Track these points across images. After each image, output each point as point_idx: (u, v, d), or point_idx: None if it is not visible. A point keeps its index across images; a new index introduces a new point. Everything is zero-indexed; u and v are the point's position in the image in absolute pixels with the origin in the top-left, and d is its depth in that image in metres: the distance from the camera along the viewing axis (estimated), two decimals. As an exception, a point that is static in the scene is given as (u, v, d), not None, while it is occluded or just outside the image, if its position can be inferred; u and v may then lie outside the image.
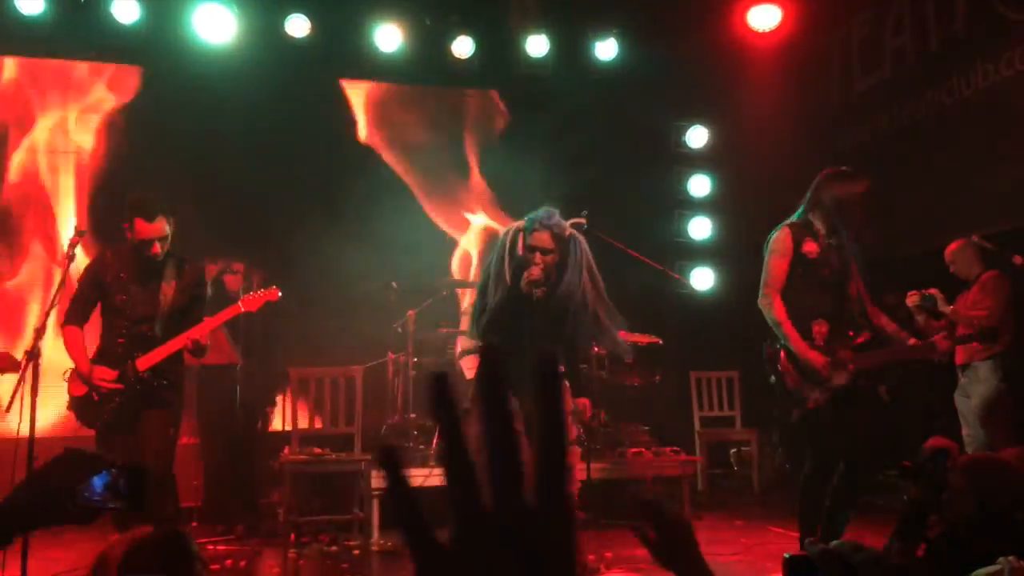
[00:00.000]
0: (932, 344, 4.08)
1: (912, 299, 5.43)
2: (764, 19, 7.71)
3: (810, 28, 7.81)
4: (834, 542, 1.46)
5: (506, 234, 4.04)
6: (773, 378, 4.13)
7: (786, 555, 1.34)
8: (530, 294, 3.87)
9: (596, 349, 6.63)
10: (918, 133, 6.88)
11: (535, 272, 3.88)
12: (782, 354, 4.07)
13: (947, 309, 5.30)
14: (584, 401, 4.18)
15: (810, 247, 4.05)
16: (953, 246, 5.66)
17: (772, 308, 4.05)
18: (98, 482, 1.53)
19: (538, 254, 3.90)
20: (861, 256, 4.18)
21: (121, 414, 4.24)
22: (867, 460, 4.02)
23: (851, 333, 4.05)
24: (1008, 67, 5.99)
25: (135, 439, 4.23)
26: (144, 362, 4.23)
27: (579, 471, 4.24)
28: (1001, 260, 5.19)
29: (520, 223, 4.02)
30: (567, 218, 4.21)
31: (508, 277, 3.92)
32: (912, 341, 4.11)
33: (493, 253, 4.07)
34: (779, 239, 4.10)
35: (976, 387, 5.44)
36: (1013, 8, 5.95)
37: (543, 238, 3.91)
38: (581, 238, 4.03)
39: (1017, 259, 4.63)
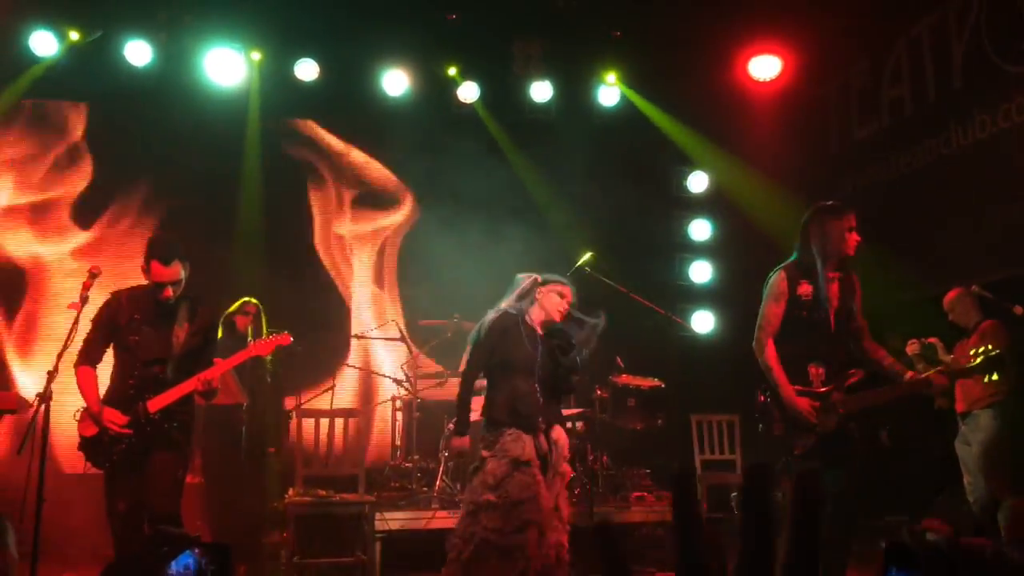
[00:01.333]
0: (928, 379, 4.12)
1: (912, 347, 5.49)
2: (765, 69, 7.86)
3: (809, 78, 7.96)
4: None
5: (524, 281, 4.39)
6: (761, 426, 4.19)
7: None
8: (555, 327, 4.32)
9: (599, 392, 6.68)
10: (916, 182, 6.99)
11: (567, 310, 4.33)
12: (771, 400, 4.11)
13: (947, 358, 5.35)
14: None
15: (805, 289, 4.10)
16: (951, 294, 5.73)
17: (764, 352, 4.11)
18: (183, 561, 1.57)
19: (568, 298, 4.35)
20: (856, 286, 4.23)
21: (130, 455, 4.25)
22: (856, 502, 4.04)
23: (843, 376, 4.10)
24: (1006, 119, 6.11)
25: (143, 479, 4.23)
26: (155, 404, 4.25)
27: (568, 516, 4.32)
28: (1000, 310, 5.26)
29: (537, 276, 4.40)
30: (573, 262, 4.55)
31: (520, 321, 4.26)
32: (909, 374, 4.15)
33: (508, 295, 4.38)
34: (775, 282, 4.17)
35: (976, 435, 5.48)
36: (1010, 61, 6.09)
37: (571, 295, 4.38)
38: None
39: (1017, 309, 4.70)
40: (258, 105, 7.59)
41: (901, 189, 7.13)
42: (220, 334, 4.90)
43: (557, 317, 4.27)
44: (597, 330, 4.35)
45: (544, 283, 4.33)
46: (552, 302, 4.28)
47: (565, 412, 5.94)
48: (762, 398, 4.17)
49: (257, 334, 5.82)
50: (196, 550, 1.59)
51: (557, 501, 4.14)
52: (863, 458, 4.12)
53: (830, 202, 4.27)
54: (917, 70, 7.00)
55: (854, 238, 4.14)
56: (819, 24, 7.53)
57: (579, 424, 6.55)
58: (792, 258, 4.24)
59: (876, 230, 6.91)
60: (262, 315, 6.29)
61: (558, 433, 4.26)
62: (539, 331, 4.29)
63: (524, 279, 4.36)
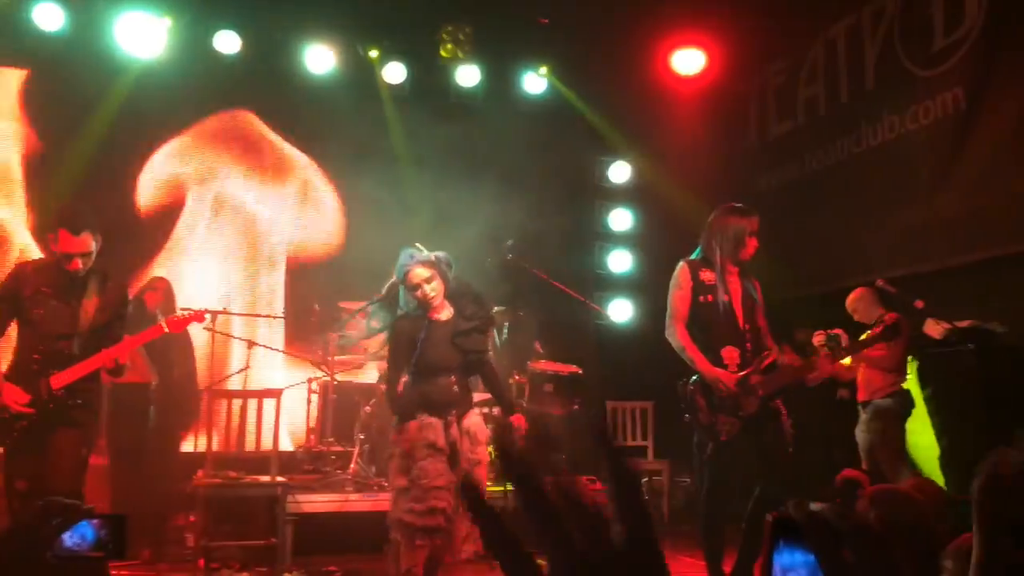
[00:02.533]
0: (813, 362, 4.33)
1: (818, 339, 5.68)
2: (688, 62, 8.00)
3: (731, 74, 8.14)
4: (818, 506, 1.54)
5: (390, 289, 4.32)
6: (687, 415, 4.28)
7: (769, 517, 1.41)
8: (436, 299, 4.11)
9: (516, 377, 6.72)
10: (828, 179, 7.22)
11: (430, 293, 4.09)
12: (693, 388, 4.22)
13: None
14: (518, 416, 4.35)
15: (707, 276, 4.24)
16: (853, 295, 5.97)
17: (676, 335, 4.22)
18: (78, 531, 1.52)
19: (422, 287, 4.09)
20: (757, 290, 4.37)
21: (31, 432, 4.10)
22: (782, 485, 4.18)
23: (759, 357, 4.22)
24: (913, 121, 6.36)
25: (45, 458, 4.09)
26: (59, 380, 4.10)
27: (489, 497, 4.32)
28: (904, 303, 5.48)
29: (394, 278, 4.23)
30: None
31: (407, 322, 4.15)
32: (823, 354, 4.32)
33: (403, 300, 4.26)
34: (677, 273, 4.31)
35: (873, 423, 5.73)
36: (920, 65, 6.33)
37: (419, 272, 4.10)
38: (443, 259, 4.21)
39: (919, 303, 4.91)
40: (175, 77, 7.34)
41: (813, 186, 7.36)
42: (129, 311, 4.74)
43: (429, 310, 4.10)
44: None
45: (402, 280, 4.14)
46: (415, 299, 4.12)
47: (480, 397, 5.99)
48: (685, 388, 4.26)
49: (168, 311, 5.66)
50: (92, 520, 1.55)
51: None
52: (788, 439, 4.25)
53: (735, 204, 4.40)
54: (831, 71, 7.22)
55: (753, 243, 4.28)
56: (741, 22, 7.70)
57: (496, 410, 6.58)
58: (695, 254, 4.38)
59: (788, 225, 7.18)
60: (172, 292, 6.14)
61: (471, 421, 4.18)
62: (442, 320, 4.16)
63: (389, 287, 4.30)
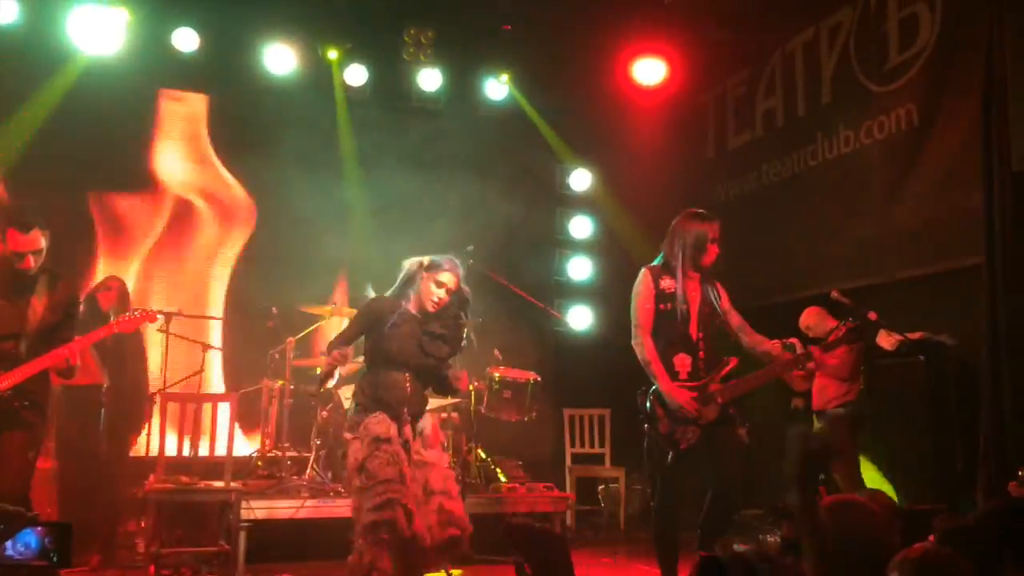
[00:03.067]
0: (807, 353, 4.38)
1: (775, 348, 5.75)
2: (649, 72, 8.06)
3: (691, 84, 8.22)
4: (743, 548, 1.57)
5: (410, 266, 4.24)
6: (647, 425, 4.30)
7: (700, 556, 1.44)
8: (432, 312, 4.13)
9: (475, 383, 6.70)
10: (784, 190, 7.33)
11: (444, 299, 4.13)
12: (652, 399, 4.25)
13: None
14: (459, 372, 4.33)
15: (667, 283, 4.28)
16: (806, 314, 6.08)
17: (643, 348, 4.25)
18: (22, 539, 1.48)
19: (447, 287, 4.14)
20: (722, 292, 4.43)
21: (-24, 435, 3.99)
22: (734, 491, 4.23)
23: (719, 365, 4.27)
24: (868, 135, 6.48)
25: (-10, 460, 3.99)
26: (6, 381, 4.00)
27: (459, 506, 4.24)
28: (857, 315, 5.57)
29: (425, 260, 4.20)
30: (455, 253, 4.38)
31: (398, 314, 4.13)
32: (787, 355, 4.35)
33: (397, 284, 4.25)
34: (640, 281, 4.35)
35: (827, 433, 5.82)
36: (875, 80, 6.46)
37: (450, 277, 4.16)
38: (467, 290, 4.28)
39: (872, 315, 5.00)
40: (132, 73, 7.21)
41: (770, 197, 7.46)
42: (81, 311, 4.64)
43: (430, 307, 4.11)
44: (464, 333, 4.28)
45: (429, 267, 4.16)
46: (427, 291, 4.11)
47: (440, 402, 5.96)
48: (642, 399, 4.30)
49: (120, 312, 5.55)
50: (37, 528, 1.51)
51: (431, 486, 4.04)
52: (741, 447, 4.29)
53: (697, 209, 4.44)
54: (789, 84, 7.34)
55: (714, 249, 4.33)
56: (701, 34, 7.78)
57: (454, 415, 6.56)
58: (657, 260, 4.42)
59: (745, 235, 7.27)
60: (127, 292, 6.03)
61: (424, 422, 4.18)
62: (419, 317, 4.16)
63: (410, 265, 4.24)
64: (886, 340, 5.76)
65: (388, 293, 4.24)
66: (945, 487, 5.43)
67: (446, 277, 4.13)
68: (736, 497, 4.26)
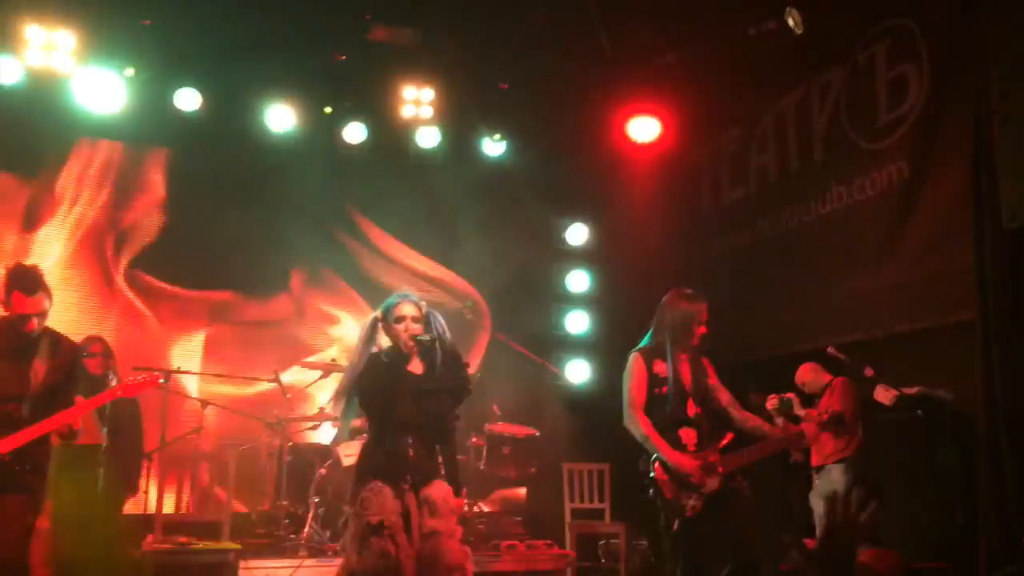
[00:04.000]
0: (800, 433, 4.41)
1: (772, 403, 5.78)
2: (643, 129, 8.19)
3: (685, 141, 8.34)
4: None
5: (366, 323, 3.98)
6: (651, 491, 4.30)
7: None
8: (419, 347, 3.82)
9: (474, 440, 6.70)
10: (779, 245, 7.40)
11: (416, 329, 3.83)
12: (656, 466, 4.26)
13: (803, 412, 5.66)
14: (460, 502, 4.01)
15: (660, 367, 4.33)
16: (801, 371, 6.10)
17: (638, 425, 4.28)
18: None
19: (408, 320, 3.84)
20: (708, 369, 4.46)
21: (-24, 498, 3.98)
22: (755, 556, 4.22)
23: (716, 438, 4.31)
24: (860, 191, 6.57)
25: (-11, 524, 3.97)
26: (7, 444, 3.99)
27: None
28: (854, 370, 5.61)
29: (376, 312, 3.97)
30: (452, 309, 4.29)
31: (372, 362, 3.85)
32: (778, 431, 4.40)
33: (356, 344, 3.98)
34: (632, 364, 4.38)
35: (826, 488, 5.81)
36: (865, 138, 6.57)
37: (408, 307, 3.88)
38: (437, 314, 3.98)
39: (869, 371, 5.03)
40: (135, 132, 7.33)
41: (765, 252, 7.53)
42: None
43: (405, 349, 3.81)
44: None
45: (384, 314, 3.89)
46: (397, 334, 3.83)
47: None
48: (646, 467, 4.30)
49: (109, 371, 5.56)
50: None
51: (440, 560, 3.68)
52: (754, 511, 4.29)
53: (685, 289, 4.50)
54: (782, 141, 7.45)
55: (701, 330, 4.38)
56: (695, 92, 7.92)
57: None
58: (644, 341, 4.46)
59: (740, 290, 7.33)
60: (111, 352, 5.96)
61: (432, 489, 3.78)
62: (412, 372, 3.85)
63: (363, 326, 3.97)
64: (883, 395, 5.77)
65: (354, 355, 3.93)
66: (946, 542, 5.41)
67: (405, 309, 3.85)
68: (756, 567, 4.24)
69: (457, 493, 3.91)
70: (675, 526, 4.21)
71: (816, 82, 7.08)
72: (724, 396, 4.44)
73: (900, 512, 5.66)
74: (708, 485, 4.20)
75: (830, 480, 5.78)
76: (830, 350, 5.37)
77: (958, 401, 5.61)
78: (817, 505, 5.84)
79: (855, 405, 5.76)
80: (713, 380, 4.44)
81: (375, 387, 3.77)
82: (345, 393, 3.89)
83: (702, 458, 4.23)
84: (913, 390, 5.61)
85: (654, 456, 4.26)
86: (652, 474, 4.27)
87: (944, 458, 5.56)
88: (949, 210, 5.83)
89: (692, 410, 4.32)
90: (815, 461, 5.91)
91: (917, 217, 6.11)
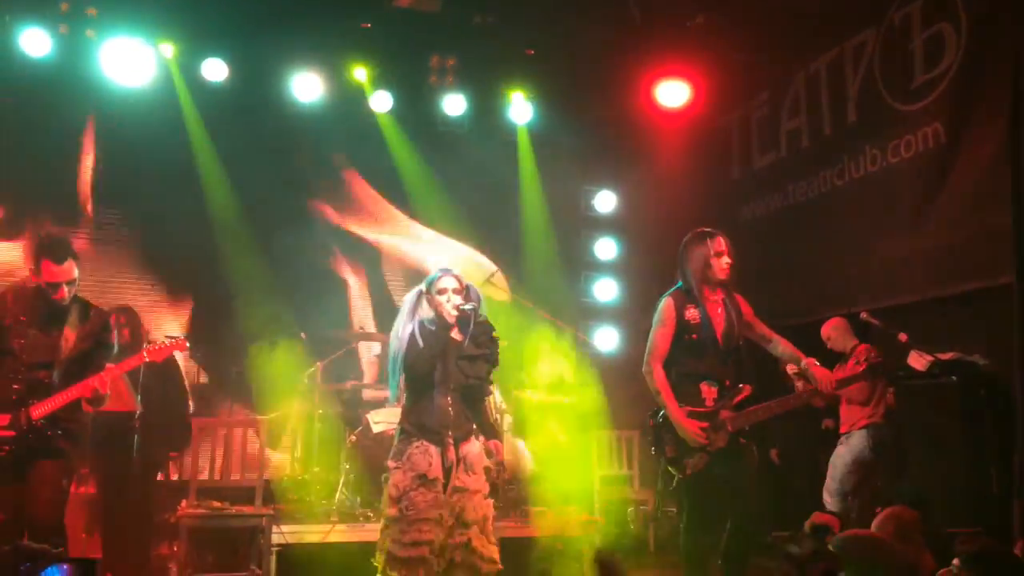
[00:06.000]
0: (812, 391, 4.39)
1: (792, 368, 5.73)
2: (672, 94, 8.08)
3: (714, 106, 8.22)
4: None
5: (410, 296, 4.16)
6: (654, 448, 4.33)
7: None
8: (460, 316, 4.02)
9: (504, 409, 6.71)
10: (811, 210, 7.29)
11: (457, 300, 4.03)
12: (660, 424, 4.27)
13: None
14: (495, 443, 4.20)
15: (692, 313, 4.29)
16: (828, 324, 6.07)
17: (652, 376, 4.27)
18: None
19: (450, 292, 4.05)
20: (743, 305, 4.43)
21: (10, 463, 4.06)
22: (753, 518, 4.20)
23: (731, 392, 4.27)
24: (894, 154, 6.44)
25: (25, 489, 4.05)
26: (39, 410, 4.07)
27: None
28: (887, 336, 5.53)
29: (420, 286, 4.17)
30: (480, 277, 4.38)
31: (418, 332, 4.02)
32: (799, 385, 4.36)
33: (398, 317, 4.16)
34: (662, 309, 4.35)
35: (848, 454, 5.80)
36: (900, 99, 6.43)
37: (450, 280, 4.09)
38: (475, 286, 4.19)
39: (902, 336, 4.95)
40: (164, 104, 7.35)
41: (796, 217, 7.43)
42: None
43: (449, 318, 4.03)
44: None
45: (428, 287, 4.11)
46: (439, 305, 4.04)
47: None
48: (651, 422, 4.33)
49: (137, 338, 5.62)
50: (62, 565, 1.53)
51: (465, 516, 3.92)
52: (756, 473, 4.27)
53: (700, 229, 4.45)
54: (814, 104, 7.31)
55: (722, 263, 4.32)
56: (724, 55, 7.79)
57: (481, 438, 6.56)
58: (678, 285, 4.42)
59: (771, 255, 7.24)
60: (139, 322, 6.02)
61: (469, 446, 4.04)
62: (452, 338, 4.06)
63: (408, 297, 4.18)
64: (917, 361, 5.69)
65: (398, 325, 4.13)
66: (981, 509, 5.35)
67: (446, 282, 4.07)
68: (755, 531, 4.24)
69: (493, 437, 4.22)
70: (674, 483, 4.24)
71: (849, 43, 6.92)
72: (760, 329, 4.42)
73: (933, 478, 5.59)
74: (714, 443, 4.18)
75: (850, 446, 5.78)
76: (863, 315, 5.29)
77: (993, 366, 5.52)
78: (835, 469, 5.83)
79: (864, 367, 5.69)
80: (748, 316, 4.41)
81: (423, 352, 4.00)
82: (392, 360, 4.12)
83: (712, 416, 4.20)
84: (948, 355, 5.52)
85: (660, 412, 4.25)
86: (656, 431, 4.28)
87: (979, 424, 5.48)
88: (986, 172, 5.70)
89: (722, 358, 4.28)
90: (843, 428, 5.88)
91: (953, 179, 5.98)
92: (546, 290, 7.73)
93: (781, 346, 4.49)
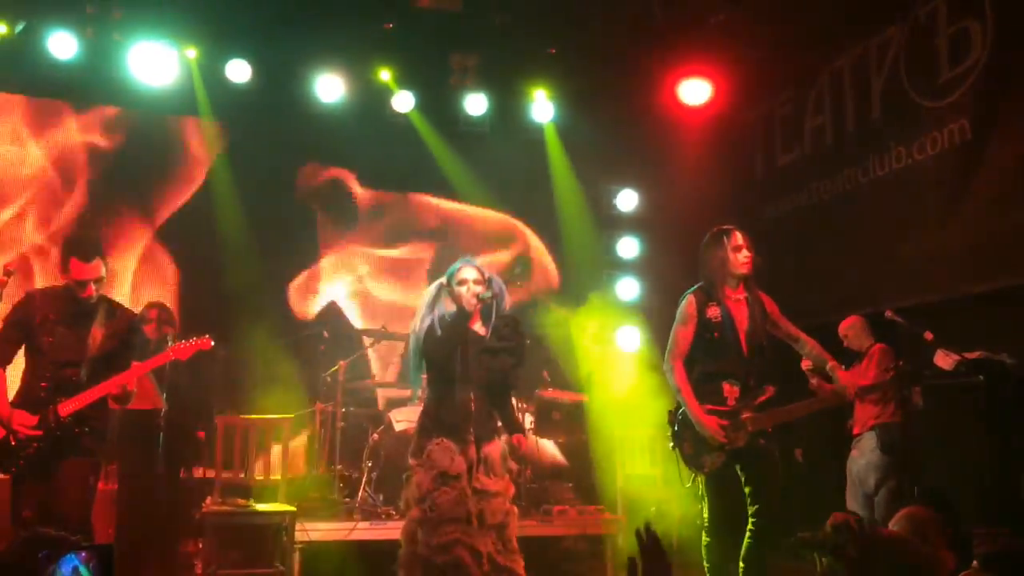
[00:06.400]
0: (836, 392, 4.34)
1: (806, 364, 5.70)
2: (694, 93, 8.04)
3: (737, 104, 8.17)
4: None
5: (430, 288, 4.14)
6: (672, 444, 4.31)
7: None
8: (481, 306, 3.98)
9: (524, 406, 6.71)
10: (835, 208, 7.22)
11: (477, 290, 3.97)
12: (680, 421, 4.26)
13: (837, 373, 5.56)
14: (518, 436, 4.12)
15: (713, 311, 4.25)
16: (846, 322, 6.05)
17: (673, 374, 4.24)
18: (66, 564, 1.52)
19: (470, 283, 4.00)
20: (767, 303, 4.40)
21: (39, 460, 4.12)
22: (772, 517, 4.18)
23: (753, 393, 4.24)
24: (920, 151, 6.37)
25: (52, 486, 4.11)
26: (67, 407, 4.13)
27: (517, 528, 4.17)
28: (913, 335, 5.47)
29: (440, 279, 4.13)
30: (503, 275, 4.33)
31: (437, 324, 3.98)
32: (827, 386, 4.33)
33: (417, 312, 4.13)
34: (684, 306, 4.33)
35: (859, 457, 5.82)
36: (925, 96, 6.36)
37: (470, 271, 4.04)
38: (497, 278, 4.15)
39: (928, 335, 4.90)
40: (189, 105, 7.42)
41: (821, 215, 7.37)
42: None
43: (469, 307, 3.97)
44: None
45: (448, 279, 4.06)
46: (460, 296, 3.98)
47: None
48: (671, 419, 4.32)
49: (167, 336, 5.67)
50: (81, 553, 1.54)
51: (486, 519, 3.82)
52: (777, 473, 4.25)
53: (716, 228, 4.43)
54: (838, 101, 7.25)
55: (740, 257, 4.29)
56: (747, 53, 7.74)
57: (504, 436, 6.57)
58: (701, 283, 4.39)
59: (795, 254, 7.18)
60: (172, 316, 6.08)
61: (491, 447, 3.94)
62: (474, 333, 4.01)
63: (429, 290, 4.14)
64: (944, 360, 5.63)
65: (417, 320, 4.08)
66: (1008, 510, 5.28)
67: (467, 273, 4.02)
68: (775, 532, 4.21)
69: (516, 431, 4.11)
70: (693, 480, 4.24)
71: (874, 40, 6.85)
72: (786, 327, 4.40)
73: (959, 478, 5.53)
74: (733, 442, 4.15)
75: (862, 448, 5.79)
76: (888, 314, 5.24)
77: (1021, 366, 5.44)
78: (851, 473, 5.82)
79: (892, 374, 5.64)
80: (774, 314, 4.38)
81: (440, 344, 3.92)
82: (413, 355, 4.08)
83: (733, 415, 4.17)
84: (974, 354, 5.45)
85: (680, 409, 4.24)
86: (675, 428, 4.26)
87: (1006, 424, 5.41)
88: (1013, 169, 5.64)
89: (744, 358, 4.24)
90: (855, 429, 5.88)
91: (980, 177, 5.91)
92: (568, 289, 7.72)
93: (808, 346, 4.48)
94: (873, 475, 5.71)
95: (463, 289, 3.98)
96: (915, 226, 6.38)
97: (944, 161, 6.17)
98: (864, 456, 5.75)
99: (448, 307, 4.01)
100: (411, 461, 3.94)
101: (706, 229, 4.57)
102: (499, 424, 4.06)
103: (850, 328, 6.02)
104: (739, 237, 4.33)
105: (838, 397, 4.45)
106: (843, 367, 4.51)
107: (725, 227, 4.40)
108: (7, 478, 4.20)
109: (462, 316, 3.98)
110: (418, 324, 4.02)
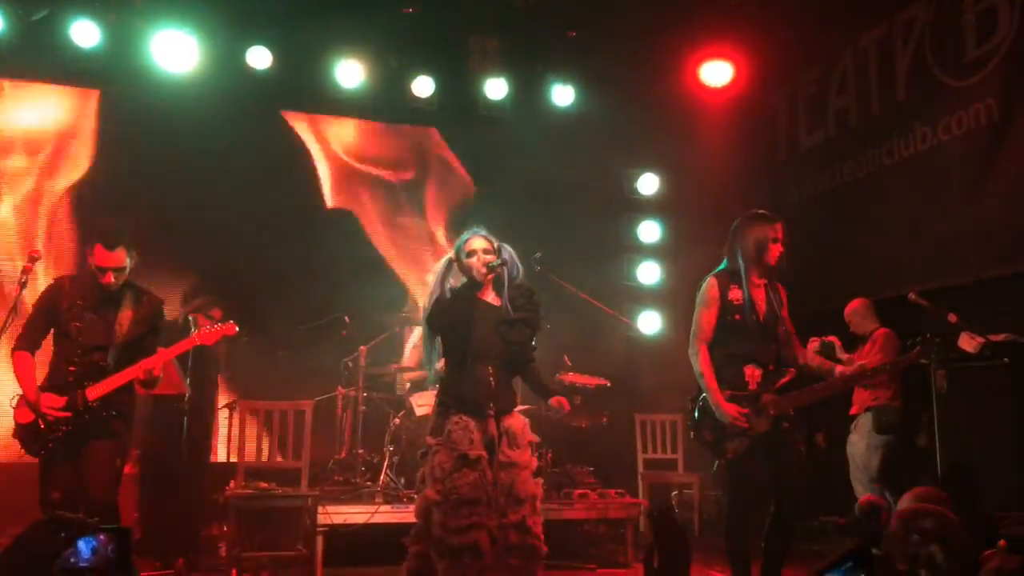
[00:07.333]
0: (854, 375, 4.32)
1: (812, 344, 5.66)
2: (716, 75, 7.97)
3: (759, 85, 8.10)
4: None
5: (440, 263, 4.04)
6: (692, 433, 4.29)
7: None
8: (491, 274, 3.88)
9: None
10: (860, 190, 7.15)
11: (487, 259, 3.87)
12: (700, 408, 4.22)
13: (844, 356, 5.51)
14: (557, 398, 4.01)
15: (736, 294, 4.20)
16: (850, 306, 6.03)
17: (698, 359, 4.20)
18: (84, 545, 1.55)
19: (479, 253, 3.90)
20: (781, 297, 4.36)
21: (66, 443, 4.20)
22: (795, 502, 4.16)
23: (775, 376, 4.20)
24: (945, 132, 6.29)
25: (80, 469, 4.18)
26: (94, 392, 4.19)
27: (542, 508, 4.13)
28: (937, 317, 5.42)
29: (449, 253, 4.04)
30: (523, 260, 4.23)
31: (448, 293, 3.91)
32: (839, 368, 4.31)
33: (430, 287, 4.04)
34: (706, 289, 4.26)
35: (855, 438, 5.85)
36: (951, 75, 6.27)
37: (479, 241, 3.93)
38: (508, 247, 4.02)
39: (952, 317, 4.85)
40: (212, 92, 7.45)
41: (845, 197, 7.30)
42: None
43: (479, 277, 3.87)
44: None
45: (457, 252, 3.96)
46: (470, 267, 3.89)
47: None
48: (692, 406, 4.29)
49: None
50: (99, 535, 1.57)
51: (516, 492, 3.74)
52: (801, 459, 4.23)
53: (759, 211, 4.35)
54: (863, 81, 7.16)
55: (777, 249, 4.23)
56: (770, 34, 7.66)
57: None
58: (722, 266, 4.34)
59: (819, 237, 7.12)
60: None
61: (513, 420, 3.86)
62: (490, 304, 3.91)
63: (437, 265, 4.04)
64: (968, 343, 5.57)
65: (430, 296, 3.98)
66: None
67: (475, 243, 3.90)
68: (797, 516, 4.21)
69: (551, 395, 4.01)
70: (715, 467, 4.22)
71: (899, 19, 6.76)
72: (788, 327, 4.33)
73: (983, 461, 5.49)
74: (755, 427, 4.11)
75: (859, 431, 5.84)
76: (911, 296, 5.18)
77: (1047, 348, 5.38)
78: (852, 458, 5.83)
79: (893, 358, 5.60)
80: (784, 311, 4.32)
81: (451, 318, 3.84)
82: (426, 335, 3.99)
83: (753, 400, 4.14)
84: (1000, 337, 5.40)
85: (701, 395, 4.22)
86: (695, 415, 4.24)
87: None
88: (1041, 149, 5.55)
89: (765, 342, 4.21)
90: (852, 410, 5.87)
91: (1007, 157, 5.82)
92: (589, 274, 7.69)
93: (798, 351, 4.38)
94: (875, 456, 5.70)
95: (473, 259, 3.89)
96: (940, 208, 6.30)
97: (970, 142, 6.09)
98: (863, 439, 5.76)
99: (459, 281, 3.95)
100: (429, 439, 3.87)
101: (729, 212, 4.52)
102: (517, 399, 3.99)
103: (854, 313, 6.02)
104: (781, 229, 4.25)
105: (856, 377, 4.41)
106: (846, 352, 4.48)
107: (769, 214, 4.30)
108: (36, 461, 4.26)
109: (472, 286, 3.91)
110: (430, 301, 3.94)
